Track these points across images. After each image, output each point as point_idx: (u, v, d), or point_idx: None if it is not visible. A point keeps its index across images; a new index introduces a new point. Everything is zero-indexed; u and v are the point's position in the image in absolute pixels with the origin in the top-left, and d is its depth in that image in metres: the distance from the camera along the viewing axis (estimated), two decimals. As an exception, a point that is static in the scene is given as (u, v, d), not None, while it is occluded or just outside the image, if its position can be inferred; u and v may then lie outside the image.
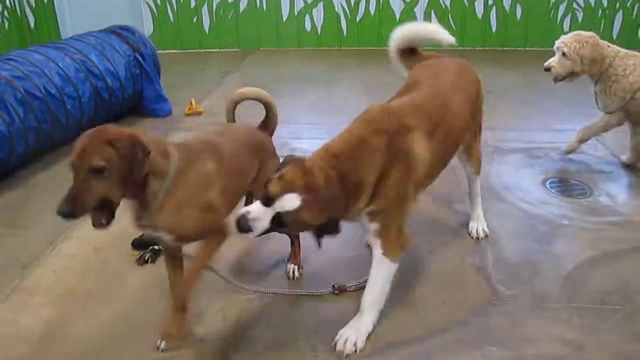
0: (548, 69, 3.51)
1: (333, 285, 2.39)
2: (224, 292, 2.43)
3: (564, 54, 3.43)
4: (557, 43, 3.49)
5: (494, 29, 6.96)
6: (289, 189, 1.83)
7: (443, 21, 6.80)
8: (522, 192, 3.29)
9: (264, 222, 1.84)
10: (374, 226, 2.06)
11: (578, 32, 3.48)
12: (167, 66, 5.06)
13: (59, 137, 3.96)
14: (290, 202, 1.83)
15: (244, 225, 1.84)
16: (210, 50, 7.19)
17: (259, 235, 1.88)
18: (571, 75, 3.48)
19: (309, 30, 7.15)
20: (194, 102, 4.80)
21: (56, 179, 3.59)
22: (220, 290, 2.44)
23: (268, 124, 2.51)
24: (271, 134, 2.53)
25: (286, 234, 2.10)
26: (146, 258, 2.71)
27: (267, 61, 6.57)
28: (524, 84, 5.42)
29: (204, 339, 2.17)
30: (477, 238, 2.78)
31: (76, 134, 4.17)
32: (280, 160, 2.17)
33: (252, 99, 2.48)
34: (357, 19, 7.08)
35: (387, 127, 2.04)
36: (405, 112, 2.12)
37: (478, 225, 2.81)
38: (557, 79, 3.52)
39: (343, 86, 5.46)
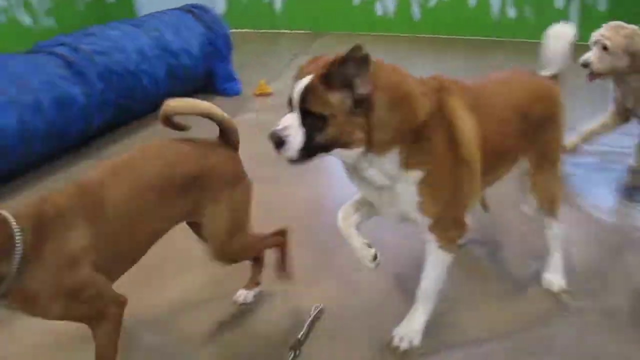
0: (586, 65, 3.15)
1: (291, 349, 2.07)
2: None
3: (605, 47, 3.10)
4: (596, 36, 3.14)
5: (574, 21, 6.65)
6: (304, 74, 1.72)
7: (520, 11, 6.55)
8: (595, 198, 3.16)
9: (295, 126, 1.70)
10: (426, 220, 1.93)
11: (616, 23, 3.16)
12: (238, 45, 5.13)
13: (134, 111, 4.12)
14: (304, 81, 1.70)
15: (275, 139, 1.70)
16: (281, 30, 7.23)
17: (302, 155, 1.71)
18: (610, 72, 3.16)
19: (380, 15, 7.05)
20: (263, 83, 4.86)
21: (128, 151, 3.75)
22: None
23: (227, 140, 2.00)
24: (235, 150, 2.03)
25: (326, 145, 1.72)
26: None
27: (337, 45, 6.52)
28: (599, 83, 5.15)
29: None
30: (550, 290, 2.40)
31: (151, 110, 4.37)
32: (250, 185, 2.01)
33: (187, 113, 1.91)
34: (430, 5, 6.92)
35: (433, 86, 1.90)
36: (446, 82, 1.99)
37: (553, 278, 2.40)
38: (595, 76, 3.19)
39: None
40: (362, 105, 1.68)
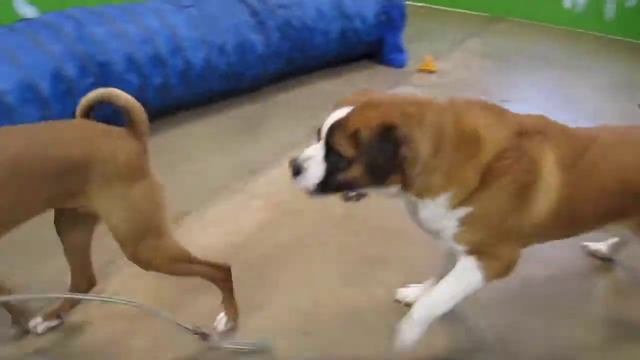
0: None
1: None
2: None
3: None
4: None
5: None
6: (342, 105, 1.58)
7: None
8: None
9: (317, 158, 1.58)
10: (461, 248, 1.72)
11: None
12: (411, 17, 5.12)
13: (302, 66, 4.35)
14: (338, 113, 1.56)
15: (293, 167, 1.60)
16: (457, 9, 7.05)
17: (320, 190, 1.60)
18: None
19: (568, 7, 6.58)
20: (429, 59, 4.84)
21: (293, 102, 4.03)
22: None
23: (135, 131, 1.80)
24: (141, 142, 1.81)
25: (348, 186, 1.61)
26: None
27: (512, 32, 6.25)
28: None
29: None
30: None
31: (318, 67, 4.54)
32: (150, 182, 1.77)
33: (107, 102, 1.78)
34: (629, 4, 6.29)
35: (526, 129, 1.66)
36: (544, 127, 1.73)
37: None
38: None
39: (586, 78, 4.97)
40: (397, 157, 1.53)
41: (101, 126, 1.78)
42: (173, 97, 3.53)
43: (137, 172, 1.76)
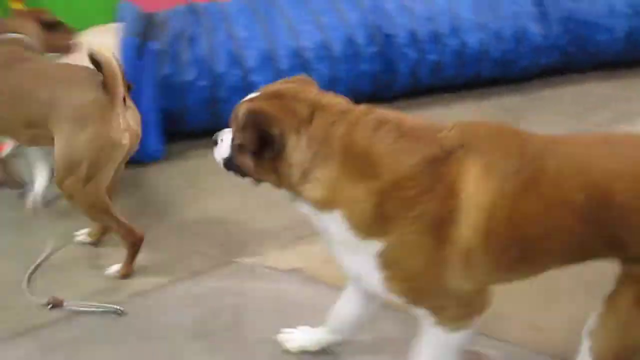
0: None
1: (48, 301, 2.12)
2: None
3: None
4: None
5: None
6: (257, 91, 1.57)
7: None
8: None
9: (228, 135, 1.58)
10: (400, 300, 1.48)
11: None
12: None
13: (578, 62, 4.08)
14: (246, 97, 1.56)
15: (214, 137, 1.64)
16: None
17: (226, 166, 1.61)
18: None
19: None
20: None
21: (560, 99, 3.85)
22: None
23: (106, 84, 2.03)
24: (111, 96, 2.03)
25: (242, 171, 1.59)
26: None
27: None
28: None
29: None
30: None
31: (596, 67, 4.15)
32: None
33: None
34: None
35: (445, 144, 1.40)
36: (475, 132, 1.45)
37: None
38: None
39: None
40: (272, 148, 1.44)
41: (75, 73, 2.16)
42: (444, 77, 3.68)
43: (88, 119, 2.03)
